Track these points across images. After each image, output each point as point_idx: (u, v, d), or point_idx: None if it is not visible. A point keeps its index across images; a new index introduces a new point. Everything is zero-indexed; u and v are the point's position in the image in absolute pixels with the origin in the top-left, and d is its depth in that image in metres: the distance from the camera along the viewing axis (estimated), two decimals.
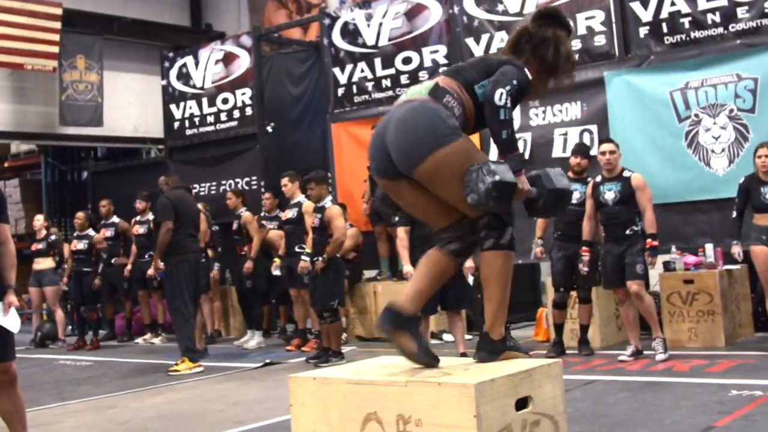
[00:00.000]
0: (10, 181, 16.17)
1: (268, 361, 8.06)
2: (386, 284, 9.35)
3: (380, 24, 10.06)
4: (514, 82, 3.18)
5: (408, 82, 9.79)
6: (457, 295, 6.49)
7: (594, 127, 8.40)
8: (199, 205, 9.14)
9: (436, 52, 9.68)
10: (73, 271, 10.78)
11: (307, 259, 7.79)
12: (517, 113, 3.14)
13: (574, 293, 7.44)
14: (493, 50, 8.94)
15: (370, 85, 10.18)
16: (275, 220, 9.60)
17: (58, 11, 11.93)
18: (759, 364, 6.19)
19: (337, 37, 10.45)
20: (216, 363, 8.21)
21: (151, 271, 8.72)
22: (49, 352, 10.68)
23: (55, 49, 11.97)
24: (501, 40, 8.86)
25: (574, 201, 6.62)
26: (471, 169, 3.09)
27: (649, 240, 6.71)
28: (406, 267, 6.78)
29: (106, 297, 11.15)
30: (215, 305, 10.69)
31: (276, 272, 9.13)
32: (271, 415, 5.40)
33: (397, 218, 7.25)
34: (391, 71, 9.99)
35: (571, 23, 3.59)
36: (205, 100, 12.00)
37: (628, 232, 6.80)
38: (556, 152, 8.60)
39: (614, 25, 8.36)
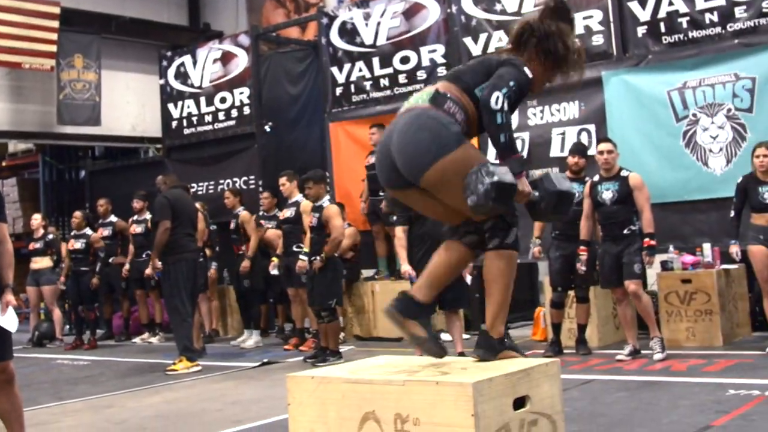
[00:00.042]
0: (8, 180, 16.17)
1: (265, 360, 8.06)
2: (384, 283, 9.35)
3: (378, 23, 10.06)
4: (511, 83, 3.17)
5: (406, 81, 9.81)
6: (456, 295, 6.49)
7: (592, 127, 8.40)
8: (197, 205, 9.13)
9: (434, 51, 9.67)
10: (71, 271, 10.77)
11: (305, 258, 7.78)
12: (515, 113, 3.13)
13: (571, 293, 7.45)
14: (491, 50, 8.95)
15: (368, 85, 10.17)
16: (274, 220, 9.59)
17: (56, 10, 11.90)
18: (756, 363, 6.20)
19: (335, 37, 10.45)
20: (214, 362, 8.21)
21: (148, 271, 8.72)
22: (47, 351, 10.67)
23: (53, 48, 11.95)
24: (499, 39, 8.87)
25: None
26: (471, 171, 3.10)
27: (646, 239, 6.71)
28: (404, 266, 6.78)
29: (103, 296, 11.14)
30: (213, 304, 10.68)
31: (274, 271, 9.14)
32: (268, 414, 5.40)
33: (395, 217, 7.25)
34: (389, 70, 9.99)
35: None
36: (203, 100, 11.99)
37: (625, 231, 6.81)
38: (554, 152, 8.60)
39: (612, 25, 8.36)
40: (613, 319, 7.89)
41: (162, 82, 12.51)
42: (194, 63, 12.08)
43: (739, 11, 7.69)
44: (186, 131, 12.22)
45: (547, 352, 7.13)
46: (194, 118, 12.11)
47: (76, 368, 8.79)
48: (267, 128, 11.18)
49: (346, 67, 10.33)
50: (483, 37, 9.15)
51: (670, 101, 7.93)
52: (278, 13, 13.72)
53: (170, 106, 12.39)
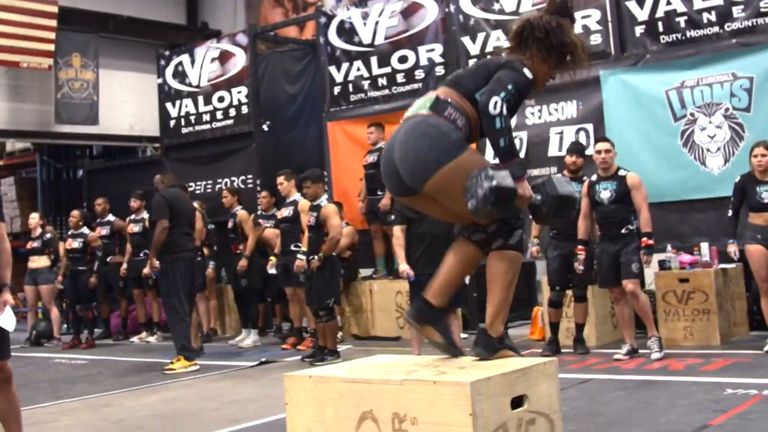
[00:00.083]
0: (6, 179, 16.15)
1: (263, 359, 8.06)
2: (382, 283, 9.35)
3: (376, 22, 10.06)
4: (510, 87, 3.16)
5: (404, 80, 9.80)
6: (454, 294, 6.47)
7: (590, 126, 8.40)
8: (195, 204, 9.12)
9: (432, 50, 9.67)
10: (69, 270, 10.77)
11: (303, 257, 7.78)
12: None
13: (569, 292, 7.44)
14: (489, 49, 8.96)
15: (366, 84, 10.17)
16: (272, 219, 9.59)
17: (54, 9, 11.90)
18: (754, 362, 6.20)
19: (333, 36, 10.44)
20: (211, 361, 8.20)
21: (146, 270, 8.72)
22: (45, 350, 10.66)
23: (51, 47, 11.95)
24: (497, 38, 8.87)
25: None
26: (471, 176, 3.10)
27: (644, 239, 6.72)
28: (402, 265, 6.77)
29: (101, 295, 11.14)
30: (211, 304, 10.68)
31: (272, 271, 9.13)
32: (266, 413, 5.40)
33: (393, 216, 7.25)
34: (387, 70, 9.98)
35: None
36: (200, 99, 11.98)
37: (623, 230, 6.81)
38: (552, 151, 8.61)
39: (610, 24, 8.36)
40: (610, 318, 7.90)
41: (160, 81, 12.48)
42: (192, 62, 12.06)
43: (737, 11, 7.69)
44: (184, 130, 12.21)
45: (545, 351, 7.13)
46: (192, 117, 12.10)
47: (74, 367, 8.78)
48: (265, 127, 11.17)
49: (344, 66, 10.33)
50: (481, 36, 9.15)
51: (668, 101, 7.93)
52: (276, 13, 13.73)
53: (168, 105, 12.37)
